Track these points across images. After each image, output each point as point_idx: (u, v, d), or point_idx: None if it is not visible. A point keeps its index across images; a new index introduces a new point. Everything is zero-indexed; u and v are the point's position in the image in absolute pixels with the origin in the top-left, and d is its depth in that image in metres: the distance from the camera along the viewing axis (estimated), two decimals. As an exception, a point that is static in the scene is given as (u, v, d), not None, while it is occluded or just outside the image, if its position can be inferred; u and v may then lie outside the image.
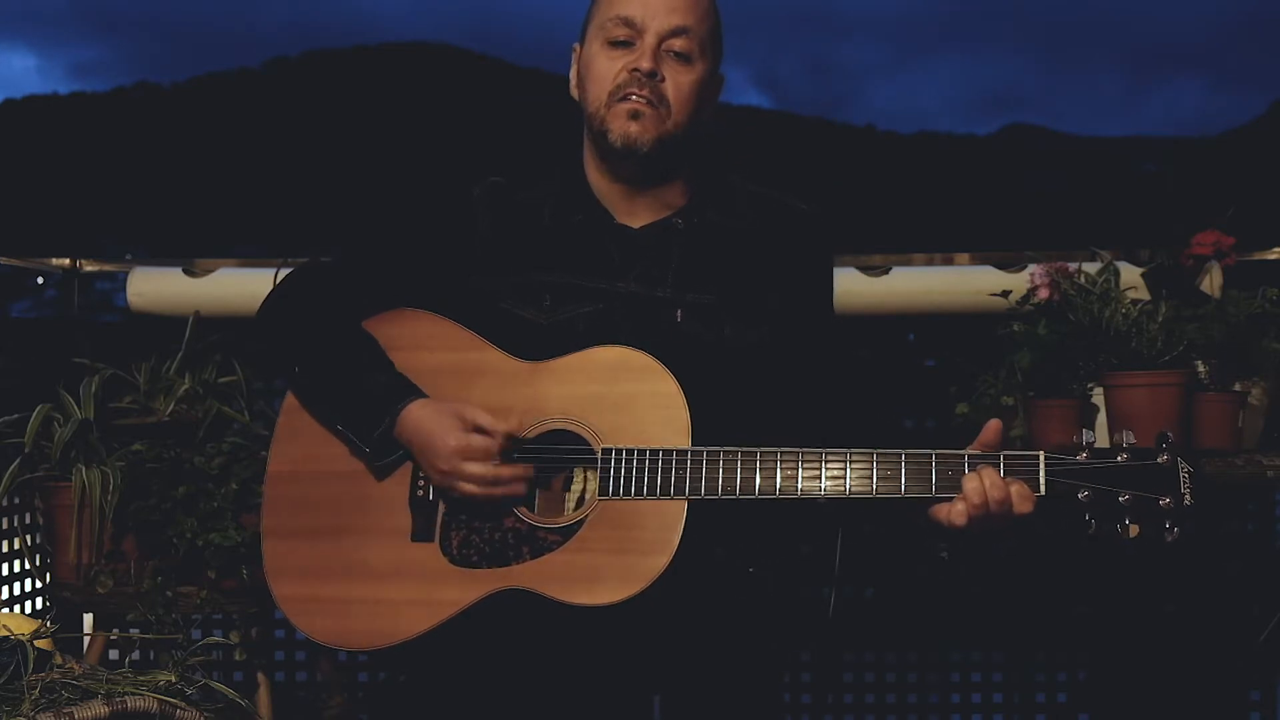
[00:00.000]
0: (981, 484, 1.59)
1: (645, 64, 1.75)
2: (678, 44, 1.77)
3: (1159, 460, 1.59)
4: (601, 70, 1.78)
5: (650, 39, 1.75)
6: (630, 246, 1.83)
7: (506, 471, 1.70)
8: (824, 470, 1.64)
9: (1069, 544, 3.02)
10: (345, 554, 1.77)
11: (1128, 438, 1.62)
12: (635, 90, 1.75)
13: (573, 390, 1.74)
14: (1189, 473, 1.58)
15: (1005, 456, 1.62)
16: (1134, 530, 1.59)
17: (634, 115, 1.75)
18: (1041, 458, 1.62)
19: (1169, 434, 1.62)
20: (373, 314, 1.87)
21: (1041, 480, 1.61)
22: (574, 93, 1.86)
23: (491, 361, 1.79)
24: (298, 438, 1.86)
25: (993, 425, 1.65)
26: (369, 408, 1.77)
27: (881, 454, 1.64)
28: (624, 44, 1.77)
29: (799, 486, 1.64)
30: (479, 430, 1.70)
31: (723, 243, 1.84)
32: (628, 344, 1.73)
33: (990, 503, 1.58)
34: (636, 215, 1.85)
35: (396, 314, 1.88)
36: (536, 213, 1.86)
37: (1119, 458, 1.60)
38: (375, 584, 1.75)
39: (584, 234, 1.84)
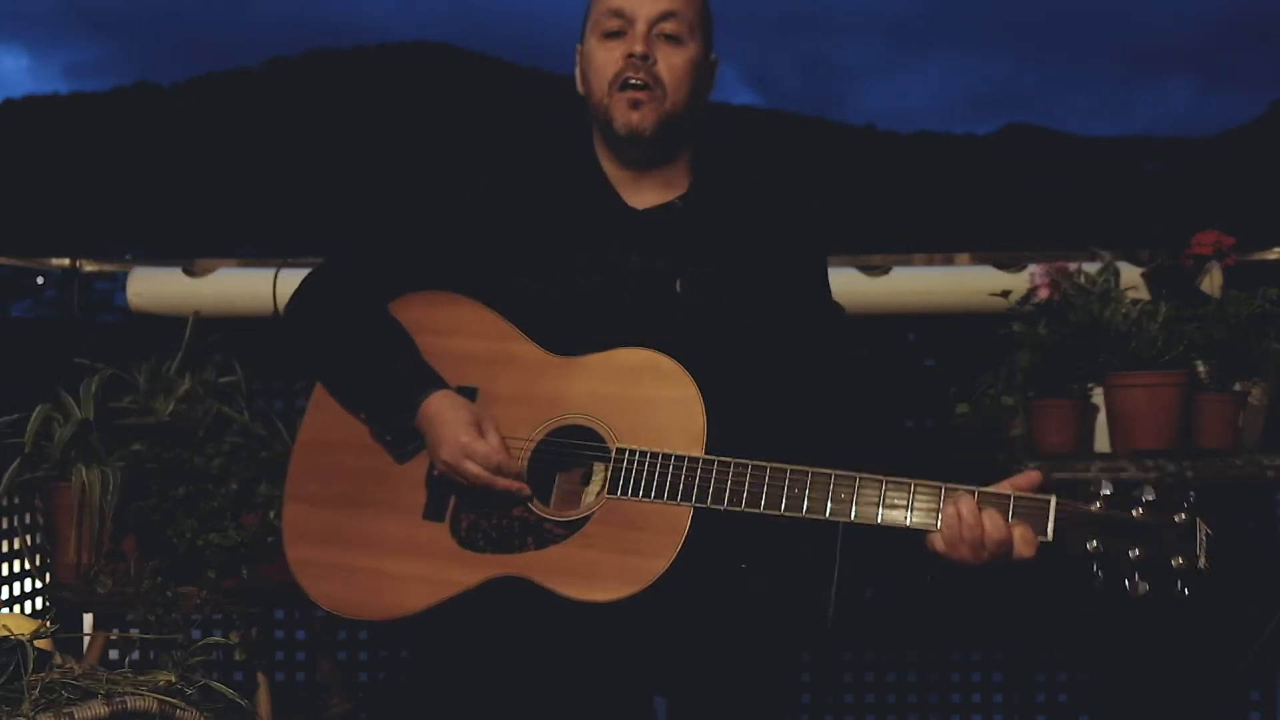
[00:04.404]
0: (957, 512, 1.57)
1: (638, 48, 1.83)
2: (668, 27, 1.84)
3: (1177, 518, 1.49)
4: (600, 62, 1.86)
5: (641, 26, 1.83)
6: (635, 224, 1.88)
7: (500, 483, 1.72)
8: (830, 494, 1.62)
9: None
10: (360, 524, 1.80)
11: (1147, 493, 1.52)
12: (631, 74, 1.83)
13: (596, 388, 1.76)
14: (1208, 535, 1.48)
15: (1015, 498, 1.57)
16: (1142, 589, 1.49)
17: (634, 105, 1.83)
18: (1052, 504, 1.55)
19: (1192, 494, 1.51)
20: (393, 299, 1.90)
21: (1050, 527, 1.55)
22: (580, 88, 1.93)
23: (522, 353, 1.82)
24: (329, 408, 1.90)
25: (1030, 475, 1.59)
26: (390, 400, 1.81)
27: (891, 482, 1.61)
28: (617, 34, 1.85)
29: (804, 507, 1.63)
30: (485, 438, 1.73)
31: (722, 221, 1.90)
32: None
33: (964, 529, 1.56)
34: (642, 197, 1.90)
35: (431, 295, 1.90)
36: (547, 193, 1.91)
37: (1134, 511, 1.51)
38: (384, 556, 1.77)
39: (592, 212, 1.89)
